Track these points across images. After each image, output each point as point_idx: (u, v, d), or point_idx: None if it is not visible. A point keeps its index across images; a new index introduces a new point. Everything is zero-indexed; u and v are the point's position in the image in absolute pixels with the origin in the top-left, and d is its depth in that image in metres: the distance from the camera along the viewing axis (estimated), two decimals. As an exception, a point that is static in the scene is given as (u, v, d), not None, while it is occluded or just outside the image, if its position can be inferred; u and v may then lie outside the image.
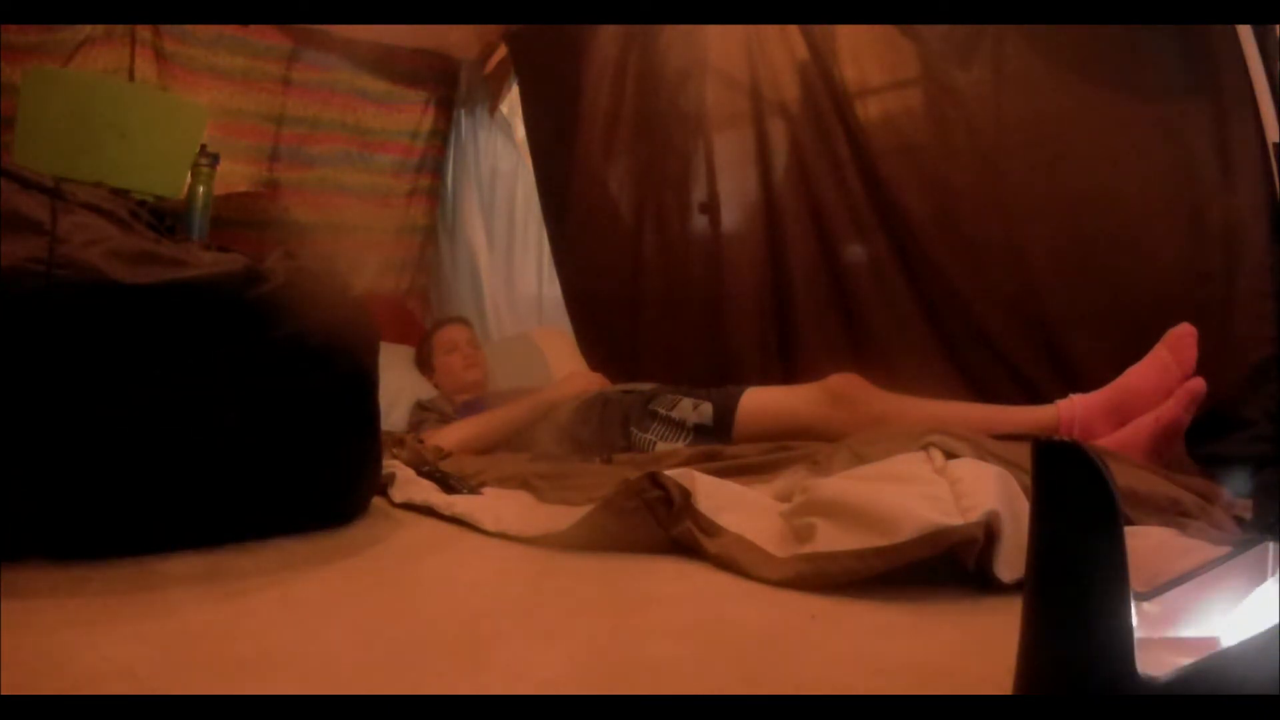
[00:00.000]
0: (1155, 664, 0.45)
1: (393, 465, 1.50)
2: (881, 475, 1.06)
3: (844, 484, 1.03)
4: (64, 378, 0.94)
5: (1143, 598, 0.57)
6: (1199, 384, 1.40)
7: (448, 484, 1.41)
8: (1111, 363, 1.57)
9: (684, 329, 2.42)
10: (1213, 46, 1.61)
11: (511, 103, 3.18)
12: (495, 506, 1.26)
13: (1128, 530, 0.50)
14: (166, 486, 1.01)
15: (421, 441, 1.89)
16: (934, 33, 1.99)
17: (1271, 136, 1.55)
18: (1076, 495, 0.46)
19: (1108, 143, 1.75)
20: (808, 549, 0.92)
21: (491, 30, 3.08)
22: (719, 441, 1.73)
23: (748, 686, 0.66)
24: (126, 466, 0.99)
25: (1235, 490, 1.21)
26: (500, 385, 2.51)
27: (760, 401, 1.79)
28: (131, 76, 2.53)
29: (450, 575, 1.05)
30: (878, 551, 0.87)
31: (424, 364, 2.58)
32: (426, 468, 1.52)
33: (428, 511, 1.31)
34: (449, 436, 1.97)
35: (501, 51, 3.14)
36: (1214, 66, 1.61)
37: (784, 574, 0.92)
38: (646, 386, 2.02)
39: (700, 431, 1.80)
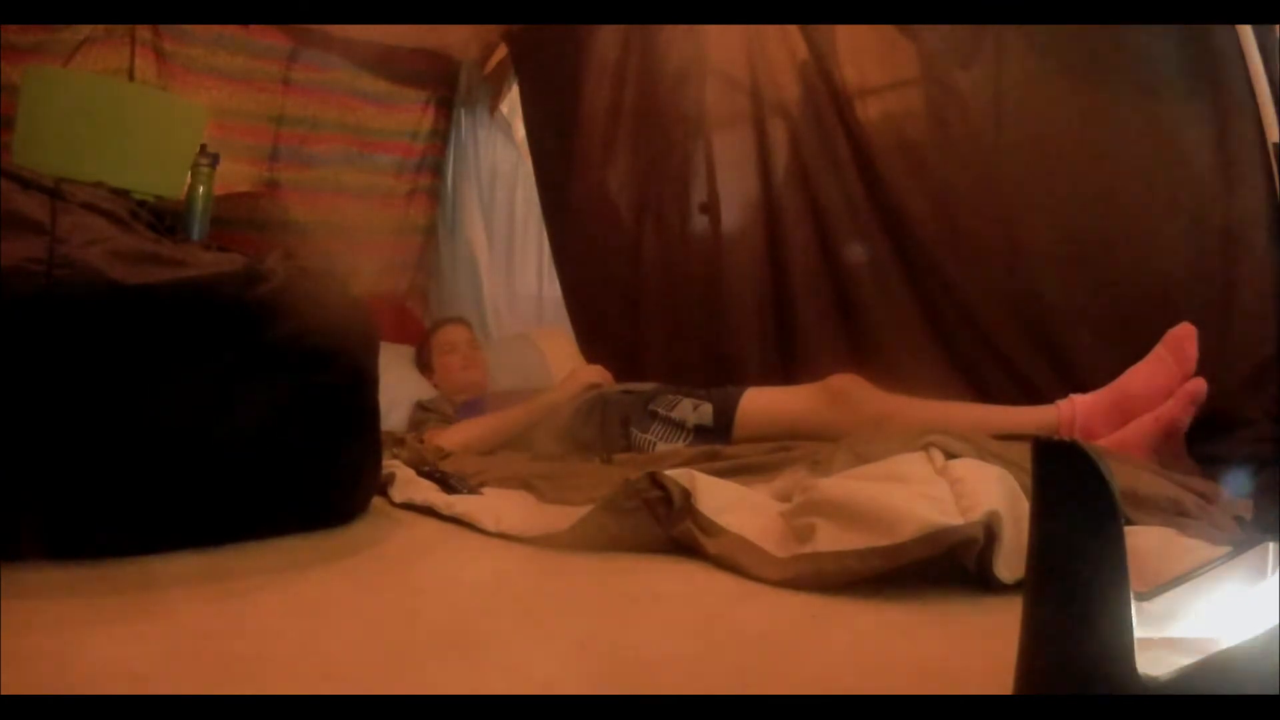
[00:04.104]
0: (1155, 664, 0.45)
1: (393, 465, 1.50)
2: (881, 475, 1.06)
3: (844, 484, 1.03)
4: (64, 378, 0.94)
5: (1143, 598, 0.57)
6: (1199, 384, 1.40)
7: (448, 484, 1.41)
8: (1111, 363, 1.57)
9: (684, 329, 2.42)
10: (1213, 46, 1.61)
11: (511, 103, 3.18)
12: (495, 506, 1.26)
13: (1128, 530, 0.50)
14: (166, 486, 1.01)
15: (422, 441, 1.89)
16: (934, 33, 1.99)
17: (1271, 136, 1.55)
18: (1076, 495, 0.46)
19: (1108, 143, 1.74)
20: (808, 549, 0.92)
21: (491, 30, 3.08)
22: (719, 442, 1.73)
23: (748, 686, 0.66)
24: (126, 466, 0.99)
25: (1235, 490, 1.21)
26: (500, 385, 2.51)
27: (760, 402, 1.80)
28: (131, 76, 2.53)
29: (450, 575, 1.05)
30: (878, 551, 0.87)
31: (424, 364, 2.58)
32: (426, 468, 1.52)
33: (428, 511, 1.31)
34: (452, 438, 1.97)
35: (501, 51, 3.14)
36: (1214, 66, 1.61)
37: (784, 574, 0.92)
38: (646, 386, 2.02)
39: (700, 432, 1.80)
